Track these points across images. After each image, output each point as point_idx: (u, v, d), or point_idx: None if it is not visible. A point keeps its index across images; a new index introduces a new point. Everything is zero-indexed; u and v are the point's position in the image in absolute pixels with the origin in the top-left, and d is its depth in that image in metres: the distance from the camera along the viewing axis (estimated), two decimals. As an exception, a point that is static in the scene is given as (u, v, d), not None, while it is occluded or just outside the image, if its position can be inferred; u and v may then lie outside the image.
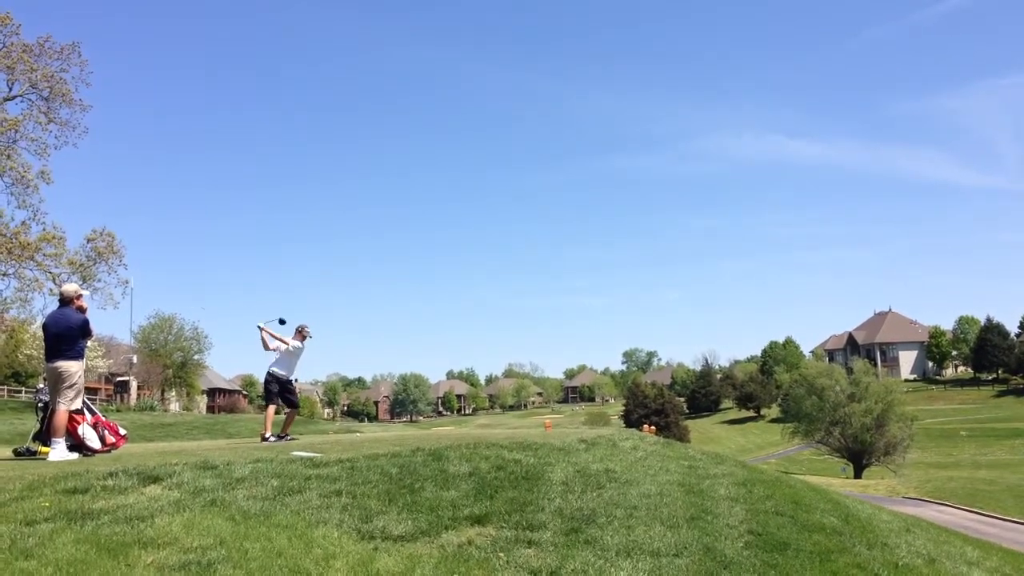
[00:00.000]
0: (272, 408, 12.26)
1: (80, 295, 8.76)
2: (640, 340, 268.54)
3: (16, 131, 30.47)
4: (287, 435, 12.02)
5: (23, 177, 30.41)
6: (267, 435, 11.76)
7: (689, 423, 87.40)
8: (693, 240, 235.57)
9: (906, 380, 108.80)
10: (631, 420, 71.69)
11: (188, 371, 69.66)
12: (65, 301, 8.63)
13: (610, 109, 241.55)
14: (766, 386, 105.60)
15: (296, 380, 12.89)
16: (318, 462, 7.42)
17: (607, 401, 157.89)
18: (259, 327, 11.99)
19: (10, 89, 31.06)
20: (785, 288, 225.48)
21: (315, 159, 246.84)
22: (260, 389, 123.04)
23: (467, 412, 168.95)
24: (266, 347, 11.98)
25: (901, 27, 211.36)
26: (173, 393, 69.27)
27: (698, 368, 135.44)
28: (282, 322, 12.02)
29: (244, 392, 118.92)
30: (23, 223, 31.07)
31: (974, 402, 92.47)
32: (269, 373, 12.07)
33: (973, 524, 25.40)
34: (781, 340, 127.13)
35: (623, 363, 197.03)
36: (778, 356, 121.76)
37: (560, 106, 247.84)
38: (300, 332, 12.10)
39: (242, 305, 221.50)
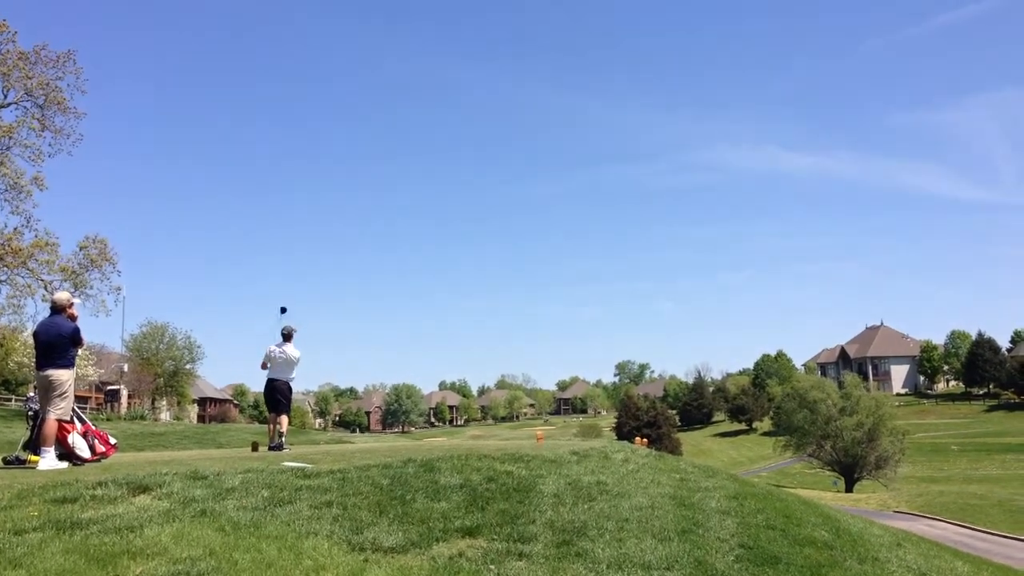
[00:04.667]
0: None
1: (72, 303, 8.75)
2: (633, 352, 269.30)
3: (10, 137, 30.46)
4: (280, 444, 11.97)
5: (16, 183, 30.38)
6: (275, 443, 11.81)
7: (681, 436, 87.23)
8: (687, 251, 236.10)
9: (898, 394, 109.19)
10: (623, 432, 71.49)
11: (179, 380, 69.12)
12: (57, 309, 8.62)
13: (606, 119, 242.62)
14: (758, 399, 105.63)
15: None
16: (309, 472, 7.40)
17: (599, 413, 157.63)
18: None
19: (4, 96, 31.08)
20: (778, 301, 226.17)
21: (309, 169, 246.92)
22: (251, 399, 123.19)
23: (459, 423, 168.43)
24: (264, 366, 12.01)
25: (897, 40, 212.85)
26: (164, 402, 68.81)
27: (690, 381, 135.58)
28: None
29: (235, 402, 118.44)
30: (15, 230, 31.03)
31: (965, 417, 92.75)
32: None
33: (964, 539, 25.48)
34: (773, 353, 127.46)
35: (616, 375, 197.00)
36: (770, 369, 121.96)
37: (555, 116, 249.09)
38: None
39: (235, 314, 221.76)
